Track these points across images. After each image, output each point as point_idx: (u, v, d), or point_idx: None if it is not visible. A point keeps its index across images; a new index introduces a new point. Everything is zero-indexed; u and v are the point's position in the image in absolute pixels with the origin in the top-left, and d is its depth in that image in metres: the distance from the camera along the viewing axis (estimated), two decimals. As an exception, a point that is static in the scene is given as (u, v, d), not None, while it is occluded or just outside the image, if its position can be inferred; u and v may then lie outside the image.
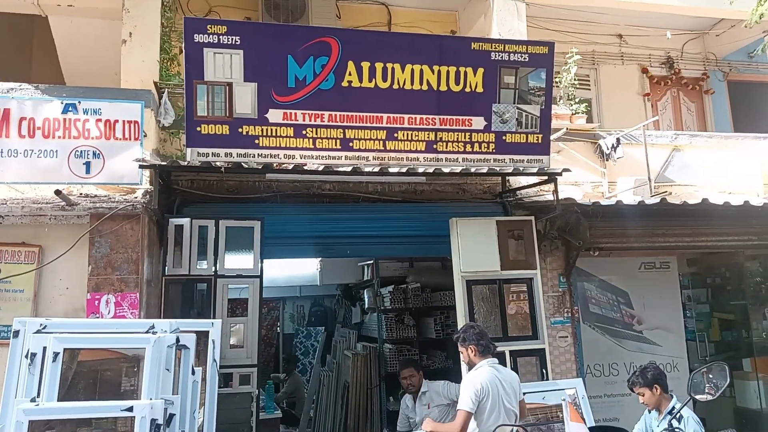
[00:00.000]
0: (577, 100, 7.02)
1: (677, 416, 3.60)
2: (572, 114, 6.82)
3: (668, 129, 8.53)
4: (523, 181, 5.98)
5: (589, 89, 8.54)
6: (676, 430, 3.00)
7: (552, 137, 5.75)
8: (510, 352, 5.34)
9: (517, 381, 4.28)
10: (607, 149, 6.54)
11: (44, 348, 3.54)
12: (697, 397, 3.00)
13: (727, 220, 6.35)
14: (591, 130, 6.83)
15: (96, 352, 3.72)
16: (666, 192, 6.47)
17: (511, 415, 4.03)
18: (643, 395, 4.10)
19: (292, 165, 4.96)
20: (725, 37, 8.83)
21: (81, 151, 4.78)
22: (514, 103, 5.34)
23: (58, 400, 3.43)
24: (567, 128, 6.53)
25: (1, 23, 7.36)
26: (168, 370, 3.60)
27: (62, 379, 3.50)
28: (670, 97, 9.06)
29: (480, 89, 5.25)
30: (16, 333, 3.75)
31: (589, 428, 3.27)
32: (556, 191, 5.45)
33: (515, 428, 3.09)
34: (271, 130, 4.90)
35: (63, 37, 6.37)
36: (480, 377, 4.08)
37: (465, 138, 5.29)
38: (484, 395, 3.98)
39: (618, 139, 6.48)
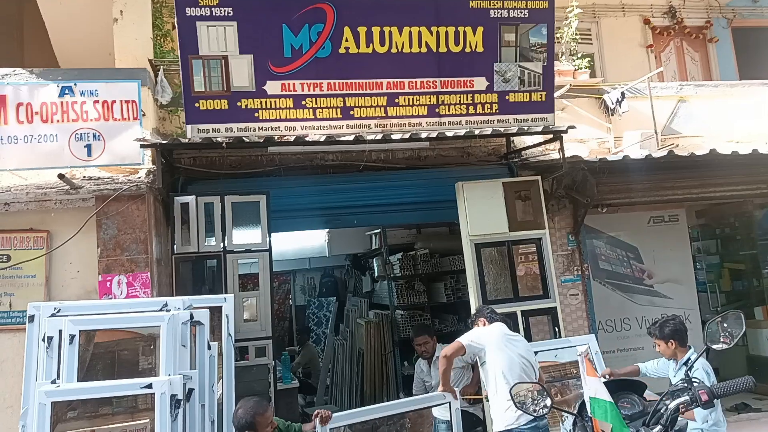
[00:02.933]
0: (579, 55, 6.90)
1: (691, 367, 3.65)
2: (575, 70, 6.70)
3: (673, 80, 8.39)
4: (528, 140, 5.91)
5: (591, 43, 8.38)
6: (693, 379, 3.03)
7: (555, 94, 5.67)
8: (521, 312, 5.38)
9: (527, 344, 4.39)
10: (612, 104, 6.44)
11: (60, 331, 3.59)
12: (714, 346, 2.99)
13: (735, 169, 6.27)
14: (595, 85, 6.72)
15: (111, 332, 3.77)
16: (673, 144, 6.40)
17: (528, 366, 4.10)
18: (659, 346, 4.15)
19: (294, 137, 4.91)
20: (728, -19, 8.63)
21: (81, 134, 4.76)
22: (516, 62, 5.25)
23: (77, 382, 3.49)
24: (570, 84, 6.42)
25: (-10, 8, 7.24)
26: (184, 346, 3.65)
27: (80, 361, 3.55)
28: (674, 48, 8.88)
29: (480, 49, 5.17)
30: (32, 318, 3.80)
31: (605, 383, 3.29)
32: (562, 149, 5.39)
33: (531, 384, 3.13)
34: (271, 102, 4.86)
35: (53, 19, 6.26)
36: (484, 328, 4.35)
37: (467, 100, 5.23)
38: (484, 338, 4.19)
39: (622, 93, 6.37)
